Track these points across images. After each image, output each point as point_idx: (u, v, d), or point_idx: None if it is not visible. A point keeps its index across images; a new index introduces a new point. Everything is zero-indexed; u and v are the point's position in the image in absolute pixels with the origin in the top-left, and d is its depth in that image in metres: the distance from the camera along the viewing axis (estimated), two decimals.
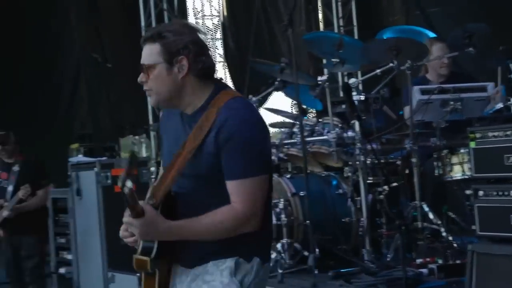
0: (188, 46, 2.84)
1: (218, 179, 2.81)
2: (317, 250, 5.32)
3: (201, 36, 2.94)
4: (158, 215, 2.76)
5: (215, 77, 3.00)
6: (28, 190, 6.61)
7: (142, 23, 13.57)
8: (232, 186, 2.79)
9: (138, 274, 6.30)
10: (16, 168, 6.91)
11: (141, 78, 2.90)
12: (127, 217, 2.76)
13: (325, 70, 11.28)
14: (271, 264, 5.37)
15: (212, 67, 2.96)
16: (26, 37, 13.89)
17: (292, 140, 6.09)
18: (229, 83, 18.19)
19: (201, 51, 2.88)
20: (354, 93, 5.53)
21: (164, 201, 2.83)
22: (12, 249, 6.96)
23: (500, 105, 5.51)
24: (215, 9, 18.44)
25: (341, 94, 11.15)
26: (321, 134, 5.91)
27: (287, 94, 6.74)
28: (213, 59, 3.00)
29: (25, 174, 6.85)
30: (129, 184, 2.62)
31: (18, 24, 13.68)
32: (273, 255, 5.50)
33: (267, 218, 2.93)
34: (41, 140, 12.45)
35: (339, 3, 12.42)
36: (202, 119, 2.82)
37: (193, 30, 2.92)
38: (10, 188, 6.84)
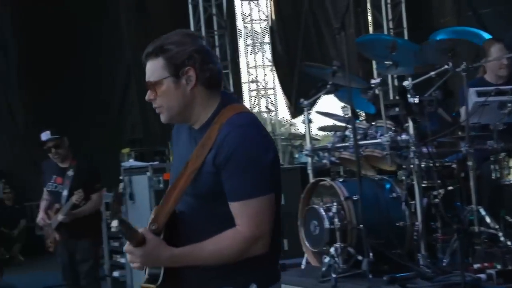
0: (193, 55, 2.72)
1: (219, 200, 2.68)
2: (371, 254, 5.27)
3: (204, 42, 2.84)
4: (160, 243, 2.66)
5: (223, 89, 2.87)
6: (81, 195, 6.65)
7: (192, 28, 13.64)
8: (235, 208, 2.66)
9: None
10: (70, 173, 6.94)
11: (148, 96, 2.79)
12: (127, 246, 2.67)
13: (375, 73, 11.35)
14: (324, 269, 5.47)
15: (219, 74, 2.82)
16: (77, 42, 14.08)
17: (345, 144, 6.06)
18: (278, 86, 18.31)
19: (206, 59, 2.76)
20: (408, 96, 5.48)
21: (168, 222, 2.71)
22: (68, 253, 7.01)
23: None
24: (264, 13, 18.54)
25: (392, 97, 11.25)
26: (374, 138, 5.88)
27: (339, 98, 6.70)
28: (219, 65, 2.84)
29: (79, 178, 6.88)
30: (114, 223, 2.60)
31: (70, 29, 13.88)
32: (326, 259, 5.49)
33: (274, 239, 2.75)
34: (92, 144, 12.61)
35: (389, 5, 12.34)
36: (206, 136, 2.70)
37: (195, 38, 2.82)
38: (65, 193, 6.88)
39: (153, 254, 2.64)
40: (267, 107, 18.77)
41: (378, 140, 5.77)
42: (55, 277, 7.81)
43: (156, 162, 8.59)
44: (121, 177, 7.96)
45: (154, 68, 2.75)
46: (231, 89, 14.17)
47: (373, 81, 5.92)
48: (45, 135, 6.93)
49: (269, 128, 18.63)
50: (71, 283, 7.11)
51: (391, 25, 12.33)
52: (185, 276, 2.74)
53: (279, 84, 17.87)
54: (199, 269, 2.69)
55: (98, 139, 13.74)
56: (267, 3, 18.21)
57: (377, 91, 5.85)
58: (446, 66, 5.65)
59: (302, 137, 12.05)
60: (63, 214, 6.74)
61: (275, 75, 18.17)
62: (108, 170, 10.44)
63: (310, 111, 6.69)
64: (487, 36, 6.63)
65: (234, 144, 2.63)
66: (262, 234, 2.65)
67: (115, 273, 7.89)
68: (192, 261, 2.67)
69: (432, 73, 5.75)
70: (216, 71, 2.78)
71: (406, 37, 12.17)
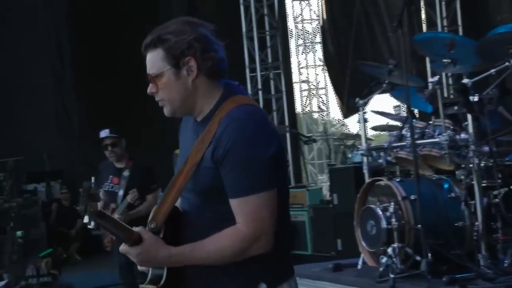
0: (192, 44, 2.59)
1: (221, 196, 2.57)
2: (429, 255, 5.23)
3: (206, 29, 2.66)
4: (156, 242, 2.56)
5: (228, 80, 2.73)
6: (135, 194, 6.70)
7: (243, 29, 13.68)
8: (234, 205, 2.54)
9: None
10: (126, 173, 7.00)
11: (150, 89, 2.69)
12: (122, 246, 2.57)
13: (429, 72, 11.23)
14: (381, 269, 5.43)
15: (222, 62, 2.67)
16: (130, 43, 14.21)
17: (402, 143, 6.01)
18: (329, 86, 18.26)
19: (207, 47, 2.61)
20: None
21: (168, 220, 2.62)
22: None
23: None
24: (315, 13, 18.50)
25: (447, 95, 11.11)
26: (432, 137, 5.83)
27: (395, 96, 6.65)
28: (221, 53, 2.67)
29: (134, 179, 6.93)
30: (92, 225, 2.58)
31: (123, 29, 14.04)
32: (384, 260, 5.46)
33: (280, 236, 2.61)
34: (145, 144, 12.72)
35: (443, 3, 12.17)
36: (206, 130, 2.59)
37: (195, 25, 2.66)
38: (120, 193, 6.94)
39: (150, 253, 2.55)
40: (318, 107, 18.70)
41: (436, 139, 5.72)
42: (111, 276, 7.88)
43: None
44: None
45: (153, 60, 2.66)
46: (283, 89, 14.19)
47: (430, 80, 5.87)
48: (104, 133, 7.03)
49: (320, 128, 18.59)
50: (128, 282, 7.16)
51: (445, 23, 12.15)
52: (189, 277, 2.64)
53: (330, 84, 17.82)
54: (203, 270, 2.60)
55: (150, 139, 13.86)
56: (318, 2, 18.15)
57: (436, 90, 5.80)
58: (506, 63, 5.55)
59: (354, 136, 12.00)
60: (118, 213, 6.80)
61: (327, 75, 18.12)
62: (162, 170, 10.54)
63: (365, 111, 6.65)
64: None
65: (231, 138, 2.51)
66: (263, 232, 2.53)
67: None
68: (191, 260, 2.57)
69: (492, 70, 5.64)
70: (218, 59, 2.64)
71: (461, 32, 12.01)
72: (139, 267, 2.70)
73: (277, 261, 2.66)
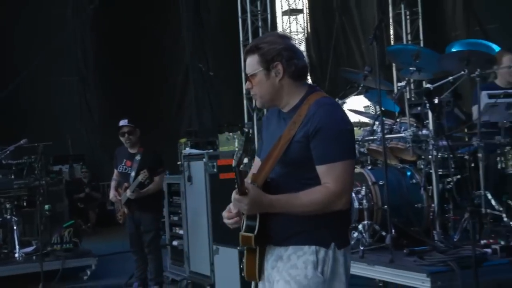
0: (281, 52, 2.81)
1: (306, 166, 2.74)
2: (393, 231, 5.23)
3: (293, 42, 2.91)
4: (260, 191, 2.71)
5: (308, 81, 2.93)
6: (146, 174, 6.73)
7: (241, 38, 13.65)
8: (324, 169, 2.71)
9: (239, 248, 6.34)
10: (138, 157, 7.04)
11: (247, 86, 2.91)
12: (235, 195, 2.69)
13: (395, 78, 11.27)
14: (353, 242, 5.45)
15: (304, 68, 2.89)
16: (145, 50, 14.21)
17: (373, 137, 6.03)
18: None
19: (293, 55, 2.84)
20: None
21: (263, 186, 2.77)
22: (134, 224, 7.10)
23: None
24: (301, 26, 18.48)
25: (413, 98, 11.13)
26: (398, 132, 5.85)
27: (368, 98, 6.67)
28: (304, 61, 2.91)
29: (145, 162, 6.97)
30: (245, 160, 2.63)
31: (139, 38, 14.02)
32: (355, 234, 5.48)
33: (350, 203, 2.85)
34: (156, 134, 12.70)
35: (408, 20, 12.28)
36: (296, 114, 2.79)
37: (285, 38, 2.90)
38: (132, 174, 6.97)
39: (257, 200, 2.67)
40: None
41: (402, 134, 5.74)
42: (124, 245, 7.90)
43: (211, 150, 8.61)
44: (179, 162, 8.00)
45: (250, 63, 2.87)
46: None
47: (399, 84, 5.89)
48: (123, 122, 7.08)
49: None
50: (137, 249, 7.20)
51: (409, 38, 12.24)
52: (275, 229, 2.78)
53: None
54: (286, 224, 2.75)
55: (161, 130, 13.87)
56: (304, 18, 18.15)
57: (404, 93, 5.83)
58: (462, 72, 5.60)
59: None
60: (131, 190, 6.83)
61: (310, 78, 18.10)
62: (168, 156, 10.56)
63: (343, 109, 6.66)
64: (496, 47, 6.54)
65: (323, 118, 2.71)
66: (346, 191, 2.72)
67: (174, 242, 7.92)
68: (286, 207, 2.71)
69: (450, 78, 5.69)
70: (300, 66, 2.85)
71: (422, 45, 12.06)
72: (226, 221, 2.88)
73: (344, 229, 2.88)
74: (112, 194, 7.14)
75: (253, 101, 13.72)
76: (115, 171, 7.23)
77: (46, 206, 8.22)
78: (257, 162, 3.08)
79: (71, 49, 14.89)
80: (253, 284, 3.01)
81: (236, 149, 3.48)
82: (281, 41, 2.85)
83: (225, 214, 2.90)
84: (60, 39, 14.07)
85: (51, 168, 12.68)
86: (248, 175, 2.90)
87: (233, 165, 2.60)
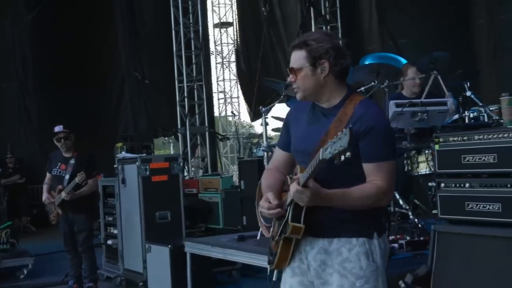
0: (329, 51, 2.72)
1: (351, 163, 2.51)
2: None
3: (340, 42, 2.84)
4: (318, 186, 2.59)
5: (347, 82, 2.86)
6: (83, 176, 6.62)
7: (174, 48, 13.63)
8: (373, 167, 2.66)
9: (169, 246, 6.33)
10: (72, 161, 6.91)
11: (290, 79, 2.82)
12: (296, 187, 2.56)
13: None
14: None
15: (348, 68, 2.81)
16: (83, 59, 13.99)
17: None
18: (241, 96, 18.34)
19: (340, 55, 2.76)
20: None
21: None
22: (68, 224, 6.97)
23: (456, 117, 5.53)
24: (231, 38, 18.53)
25: None
26: None
27: (289, 106, 6.74)
28: (349, 61, 2.83)
29: (78, 166, 6.84)
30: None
31: (79, 46, 13.81)
32: None
33: None
34: (93, 139, 12.52)
35: None
36: (341, 112, 2.70)
37: (333, 37, 2.84)
38: (67, 177, 6.84)
39: (316, 193, 2.57)
40: (232, 112, 18.76)
41: None
42: (60, 245, 7.74)
43: (144, 154, 8.53)
44: (115, 165, 7.91)
45: (297, 58, 2.77)
46: (204, 97, 14.19)
47: None
48: (58, 128, 6.93)
49: (233, 129, 18.64)
50: (71, 249, 7.05)
51: None
52: (320, 219, 2.69)
53: (242, 94, 17.90)
54: (330, 217, 2.69)
55: (98, 135, 13.66)
56: (234, 30, 18.22)
57: None
58: (372, 83, 5.73)
59: (259, 136, 12.08)
60: (66, 192, 6.70)
61: (239, 87, 18.19)
62: (105, 160, 10.42)
63: (267, 116, 6.73)
64: (404, 60, 6.73)
65: (374, 118, 2.65)
66: (392, 189, 2.72)
67: (109, 241, 7.82)
68: (340, 200, 2.64)
69: (362, 88, 5.82)
70: (346, 66, 2.79)
71: None
72: (266, 211, 2.78)
73: (382, 218, 2.86)
74: (45, 196, 7.00)
75: (186, 108, 13.79)
76: (48, 175, 7.09)
77: None
78: (279, 154, 3.01)
79: (11, 55, 14.51)
80: (275, 272, 2.93)
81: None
82: (329, 40, 2.76)
83: (264, 204, 2.81)
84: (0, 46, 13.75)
85: None
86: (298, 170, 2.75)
87: (325, 158, 2.41)
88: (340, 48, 2.79)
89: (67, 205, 6.80)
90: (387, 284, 2.83)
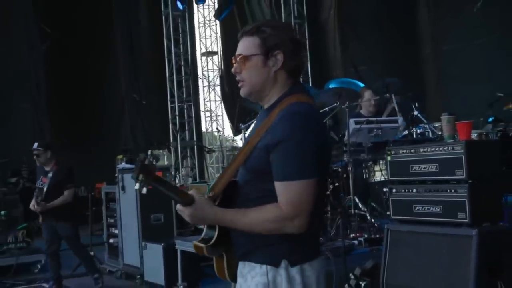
0: (286, 42, 2.07)
1: (268, 176, 1.99)
2: None
3: (297, 36, 2.15)
4: (206, 203, 2.03)
5: (299, 80, 2.17)
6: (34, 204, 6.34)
7: (167, 74, 13.64)
8: (278, 186, 1.97)
9: (163, 244, 6.30)
10: (50, 175, 6.53)
11: (235, 68, 2.15)
12: (178, 206, 2.05)
13: None
14: None
15: (303, 67, 2.16)
16: (88, 79, 13.92)
17: None
18: (224, 115, 18.34)
19: (297, 49, 2.10)
20: None
21: (226, 191, 2.10)
22: (48, 231, 6.52)
23: (405, 133, 5.61)
24: (216, 65, 18.54)
25: None
26: None
27: None
28: (304, 59, 2.19)
29: (55, 179, 6.49)
30: (144, 191, 1.97)
31: (85, 72, 13.73)
32: None
33: (312, 221, 2.00)
34: (97, 152, 12.45)
35: None
36: (267, 118, 2.04)
37: (292, 30, 2.17)
38: (45, 189, 6.46)
39: (199, 213, 2.02)
40: (217, 128, 18.76)
41: None
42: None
43: None
44: (116, 175, 7.85)
45: (247, 45, 2.11)
46: (193, 115, 14.17)
47: None
48: (34, 145, 6.60)
49: (218, 143, 18.60)
50: (51, 253, 6.51)
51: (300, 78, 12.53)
52: (237, 242, 2.11)
53: (225, 113, 17.89)
54: (242, 239, 2.07)
55: (101, 148, 13.56)
56: (218, 58, 18.25)
57: None
58: (335, 104, 5.78)
59: (240, 149, 12.09)
60: (32, 204, 6.40)
61: (223, 107, 18.18)
62: (107, 169, 10.35)
63: (246, 132, 6.75)
64: (361, 84, 6.80)
65: (285, 129, 1.96)
66: (299, 214, 1.95)
67: (111, 240, 7.76)
68: (233, 222, 2.02)
69: (326, 108, 5.87)
70: (301, 63, 2.13)
71: (310, 83, 12.39)
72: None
73: (303, 243, 2.03)
74: (31, 204, 6.58)
75: (177, 125, 13.79)
76: (35, 187, 6.82)
77: (2, 212, 7.87)
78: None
79: (26, 79, 14.39)
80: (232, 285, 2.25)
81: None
82: (287, 30, 2.12)
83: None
84: (17, 70, 13.61)
85: (9, 180, 12.13)
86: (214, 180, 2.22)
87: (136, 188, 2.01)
88: (298, 42, 2.12)
89: (49, 214, 6.50)
90: None
